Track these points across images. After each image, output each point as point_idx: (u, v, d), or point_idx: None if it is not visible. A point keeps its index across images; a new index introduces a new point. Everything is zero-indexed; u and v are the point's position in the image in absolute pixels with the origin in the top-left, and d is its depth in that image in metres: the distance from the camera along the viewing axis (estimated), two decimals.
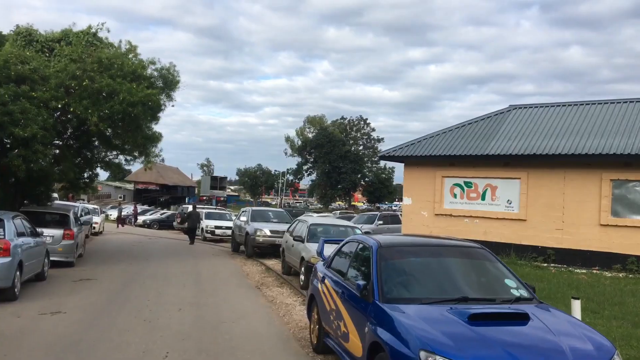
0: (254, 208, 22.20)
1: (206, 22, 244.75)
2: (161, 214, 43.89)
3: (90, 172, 19.42)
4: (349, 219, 24.64)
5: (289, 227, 15.40)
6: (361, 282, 5.51)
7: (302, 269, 12.08)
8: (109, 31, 17.44)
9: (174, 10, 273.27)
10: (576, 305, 6.84)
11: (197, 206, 29.65)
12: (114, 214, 42.49)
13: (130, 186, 78.85)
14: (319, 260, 11.37)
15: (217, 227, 26.40)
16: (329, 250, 8.19)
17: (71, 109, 15.04)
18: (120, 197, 74.71)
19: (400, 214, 24.37)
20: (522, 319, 4.81)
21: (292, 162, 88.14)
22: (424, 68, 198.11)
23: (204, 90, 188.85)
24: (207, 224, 26.61)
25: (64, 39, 17.42)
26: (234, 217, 25.60)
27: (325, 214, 35.86)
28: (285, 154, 79.58)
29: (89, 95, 15.00)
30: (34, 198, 17.53)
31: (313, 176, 76.86)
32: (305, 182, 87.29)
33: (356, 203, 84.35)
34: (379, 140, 76.95)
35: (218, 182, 76.81)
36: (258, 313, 9.57)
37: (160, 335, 7.68)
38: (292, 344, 7.63)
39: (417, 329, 4.54)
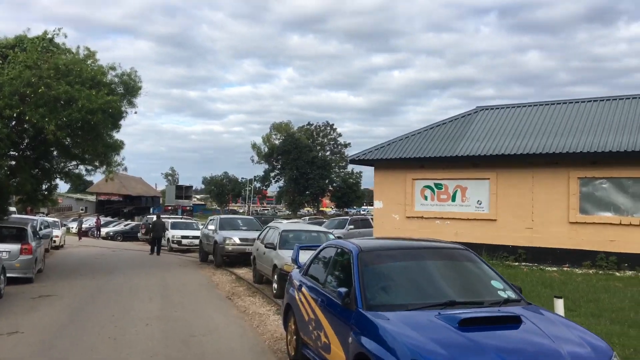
0: (222, 216, 21.68)
1: (168, 31, 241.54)
2: (125, 225, 42.73)
3: (49, 184, 18.56)
4: (319, 224, 24.31)
5: (260, 235, 15.00)
6: (342, 290, 5.19)
7: (275, 277, 11.70)
8: (66, 36, 16.73)
9: (135, 19, 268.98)
10: (559, 305, 6.67)
11: (162, 216, 28.88)
12: (75, 226, 41.14)
13: (92, 198, 76.77)
14: (293, 268, 11.03)
15: (183, 237, 25.72)
16: (304, 257, 7.85)
17: (27, 118, 14.32)
18: (82, 209, 72.75)
19: (371, 218, 24.22)
20: (514, 322, 4.56)
21: (259, 169, 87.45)
22: (387, 74, 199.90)
23: (167, 99, 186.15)
24: (173, 233, 25.90)
25: (18, 45, 16.60)
26: (201, 226, 24.99)
27: (295, 220, 35.47)
28: (252, 161, 78.88)
29: (45, 103, 14.30)
30: None
31: (281, 183, 76.33)
32: (272, 189, 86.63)
33: (325, 208, 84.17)
34: (346, 145, 77.03)
35: (183, 191, 75.58)
36: (230, 325, 9.15)
37: (126, 353, 7.19)
38: (268, 356, 7.25)
39: (405, 338, 4.25)
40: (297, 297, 6.78)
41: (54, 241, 25.31)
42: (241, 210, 78.11)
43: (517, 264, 16.64)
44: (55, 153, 17.42)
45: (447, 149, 18.23)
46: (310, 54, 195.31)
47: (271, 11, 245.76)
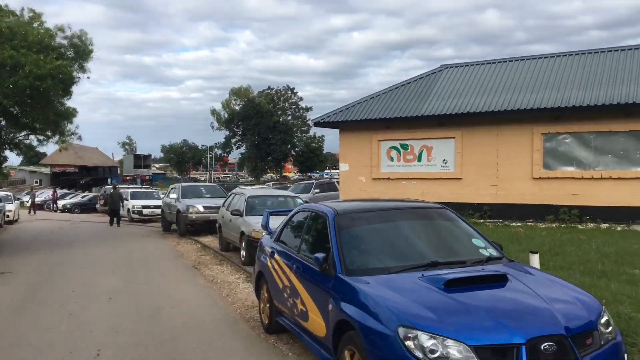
0: (184, 184, 21.07)
1: None
2: (82, 197, 41.45)
3: None
4: (283, 189, 23.96)
5: (224, 202, 14.57)
6: (320, 255, 4.90)
7: (243, 244, 11.37)
8: None
9: None
10: (535, 260, 6.59)
11: (121, 186, 27.98)
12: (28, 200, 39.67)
13: (47, 170, 74.18)
14: (261, 234, 10.70)
15: (144, 207, 25.01)
16: (273, 223, 7.53)
17: None
18: (36, 182, 70.32)
19: (337, 181, 24.04)
20: (501, 280, 4.36)
21: (220, 135, 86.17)
22: (347, 35, 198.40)
23: (121, 66, 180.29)
24: (133, 204, 25.15)
25: None
26: (162, 195, 24.32)
27: (260, 186, 35.02)
28: (212, 127, 77.48)
29: None
30: None
31: (242, 149, 75.34)
32: (234, 156, 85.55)
33: (288, 174, 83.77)
34: (308, 109, 76.40)
35: (142, 161, 73.70)
36: (199, 295, 8.82)
37: (89, 330, 6.79)
38: (241, 325, 6.97)
39: (390, 302, 4.00)
40: (269, 264, 6.47)
41: (7, 216, 24.28)
42: (202, 178, 76.89)
43: (482, 221, 16.75)
44: (2, 123, 16.42)
45: (413, 109, 18.02)
46: (268, 15, 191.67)
47: None
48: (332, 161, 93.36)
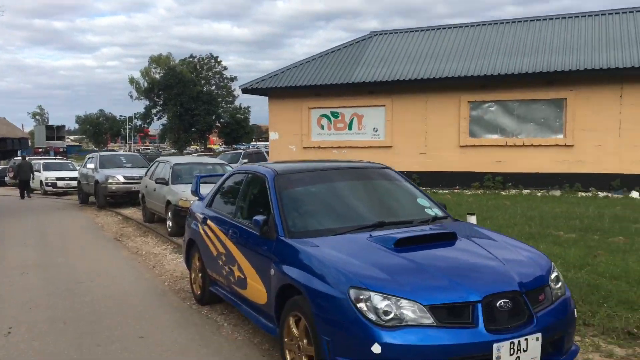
0: (102, 153, 19.87)
1: None
2: None
3: None
4: None
5: (147, 171, 13.78)
6: (260, 218, 4.53)
7: (170, 214, 10.77)
8: None
9: None
10: (473, 220, 6.58)
11: (32, 158, 26.12)
12: None
13: None
14: (190, 203, 10.16)
15: (59, 179, 23.47)
16: (204, 191, 7.04)
17: None
18: None
19: (265, 152, 23.59)
20: (450, 239, 4.20)
21: (139, 106, 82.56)
22: (271, 3, 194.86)
23: (30, 30, 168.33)
24: (47, 176, 23.53)
25: None
26: (78, 167, 22.89)
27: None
28: (131, 97, 73.91)
29: None
30: None
31: (164, 120, 72.57)
32: (155, 127, 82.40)
33: (212, 146, 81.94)
34: (232, 79, 74.43)
35: (55, 132, 69.40)
36: (122, 268, 8.23)
37: None
38: (170, 297, 6.52)
39: (339, 264, 3.72)
40: (201, 231, 6.03)
41: None
42: (121, 151, 73.68)
43: None
44: None
45: (343, 76, 17.79)
46: None
47: None
48: (259, 133, 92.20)
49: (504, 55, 16.72)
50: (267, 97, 19.49)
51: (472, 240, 4.25)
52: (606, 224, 9.84)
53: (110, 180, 15.73)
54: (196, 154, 43.25)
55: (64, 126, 77.18)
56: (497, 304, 3.40)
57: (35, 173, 23.41)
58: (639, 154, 15.12)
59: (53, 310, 5.95)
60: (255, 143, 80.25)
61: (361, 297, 3.41)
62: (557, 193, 15.50)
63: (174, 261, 8.48)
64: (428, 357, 3.22)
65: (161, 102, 70.69)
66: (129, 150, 70.32)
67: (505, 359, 3.30)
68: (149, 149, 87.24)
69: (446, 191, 16.48)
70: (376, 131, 17.88)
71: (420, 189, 5.39)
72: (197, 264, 6.28)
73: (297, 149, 18.71)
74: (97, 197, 16.49)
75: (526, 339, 3.37)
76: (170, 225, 10.69)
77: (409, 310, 3.33)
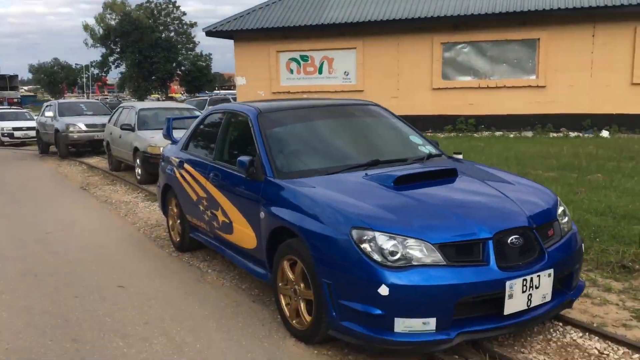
0: (61, 101, 18.89)
1: None
2: None
3: None
4: None
5: (111, 118, 13.13)
6: (245, 159, 4.20)
7: (138, 161, 10.30)
8: None
9: None
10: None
11: None
12: None
13: None
14: (159, 148, 9.73)
15: (15, 129, 22.31)
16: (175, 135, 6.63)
17: None
18: None
19: (232, 98, 22.95)
20: (451, 176, 3.98)
21: (96, 53, 79.15)
22: None
23: None
24: (2, 126, 22.36)
25: None
26: (35, 117, 21.80)
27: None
28: (87, 45, 70.51)
29: None
30: None
31: (122, 68, 69.92)
32: (113, 76, 79.43)
33: (174, 94, 79.73)
34: (192, 25, 71.66)
35: (7, 82, 66.13)
36: (92, 217, 7.84)
37: None
38: (147, 245, 6.21)
39: (338, 204, 3.47)
40: (178, 175, 5.68)
41: None
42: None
43: None
44: None
45: (312, 17, 17.14)
46: None
47: None
48: (221, 81, 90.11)
49: None
50: (232, 42, 18.70)
51: (473, 177, 4.05)
52: (583, 163, 9.87)
53: (71, 129, 14.96)
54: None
55: (16, 75, 73.62)
56: (508, 241, 3.23)
57: None
58: (609, 94, 15.20)
59: (22, 263, 5.58)
60: (218, 91, 78.36)
61: (364, 237, 3.18)
62: (529, 134, 15.55)
63: (147, 209, 8.12)
64: (438, 298, 3.04)
65: (118, 50, 67.93)
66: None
67: (518, 296, 3.16)
68: (107, 98, 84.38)
69: None
70: (347, 75, 17.45)
71: (411, 126, 5.14)
72: (175, 210, 5.96)
73: (266, 94, 18.16)
74: (58, 146, 15.75)
75: (538, 276, 3.22)
76: (140, 172, 10.24)
77: (417, 250, 3.12)
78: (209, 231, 5.16)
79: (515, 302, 3.15)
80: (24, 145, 22.07)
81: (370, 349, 3.35)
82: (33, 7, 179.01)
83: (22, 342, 3.76)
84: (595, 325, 3.67)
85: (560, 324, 3.66)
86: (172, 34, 71.26)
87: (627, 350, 3.30)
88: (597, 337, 3.46)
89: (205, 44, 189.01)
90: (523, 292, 3.17)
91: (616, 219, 6.01)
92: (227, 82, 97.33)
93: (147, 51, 63.31)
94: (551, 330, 3.60)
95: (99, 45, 69.38)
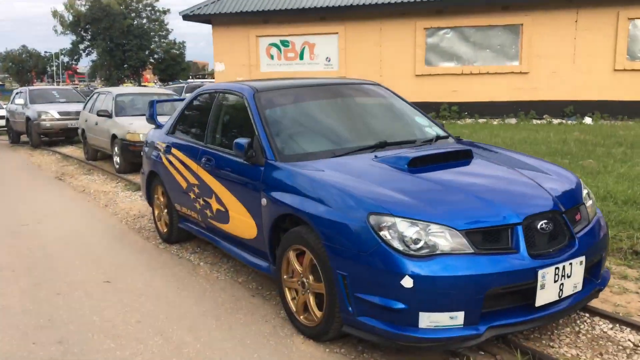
0: (32, 87, 18.15)
1: None
2: None
3: None
4: None
5: (85, 105, 12.59)
6: (242, 141, 3.87)
7: (116, 149, 9.85)
8: None
9: None
10: None
11: None
12: None
13: None
14: (139, 135, 9.31)
15: None
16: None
17: None
18: None
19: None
20: (466, 157, 3.73)
21: (66, 41, 76.77)
22: None
23: None
24: None
25: None
26: (4, 105, 20.96)
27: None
28: (56, 32, 68.80)
29: None
30: None
31: (93, 56, 68.30)
32: (84, 64, 77.54)
33: (147, 83, 78.22)
34: (165, 11, 70.32)
35: None
36: (71, 207, 7.42)
37: None
38: (132, 237, 5.85)
39: (352, 188, 3.18)
40: (165, 161, 5.32)
41: None
42: None
43: None
44: None
45: (293, 1, 16.71)
46: None
47: None
48: (195, 69, 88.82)
49: None
50: (206, 30, 18.18)
51: (489, 159, 3.81)
52: (573, 148, 9.75)
53: (43, 117, 14.35)
54: None
55: None
56: (538, 226, 2.98)
57: None
58: (591, 80, 15.16)
59: None
60: (192, 80, 77.06)
61: (383, 224, 2.90)
62: (513, 121, 15.45)
63: (128, 199, 7.72)
64: (467, 290, 2.78)
65: (89, 37, 66.31)
66: None
67: (550, 286, 2.92)
68: (78, 87, 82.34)
69: None
70: (329, 61, 17.10)
71: (416, 107, 4.87)
72: (161, 199, 5.61)
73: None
74: (29, 135, 15.12)
75: (570, 264, 2.98)
76: (118, 161, 9.80)
77: (442, 237, 2.85)
78: (200, 221, 4.82)
79: (547, 292, 2.91)
80: None
81: (389, 346, 3.09)
82: None
83: (2, 346, 3.40)
84: (621, 315, 3.47)
85: (587, 315, 3.45)
86: (145, 21, 69.82)
87: None
88: (628, 329, 3.25)
89: (178, 31, 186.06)
90: (555, 281, 2.93)
91: (618, 204, 5.85)
92: (201, 70, 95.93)
93: (118, 38, 61.92)
94: (578, 321, 3.39)
95: (68, 32, 67.62)
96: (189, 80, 74.29)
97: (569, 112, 15.39)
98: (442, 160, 3.61)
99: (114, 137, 9.94)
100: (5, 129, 18.37)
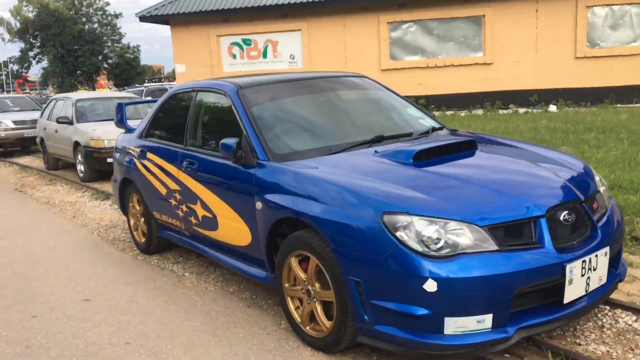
0: None
1: None
2: None
3: None
4: None
5: (43, 112, 11.97)
6: (230, 141, 3.58)
7: (79, 157, 9.35)
8: None
9: None
10: None
11: None
12: None
13: None
14: (103, 142, 8.88)
15: None
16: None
17: None
18: None
19: (170, 87, 21.83)
20: (471, 148, 3.54)
21: (14, 49, 74.27)
22: None
23: None
24: None
25: None
26: None
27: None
28: (3, 40, 66.55)
29: None
30: None
31: (44, 63, 66.20)
32: (35, 72, 75.11)
33: (101, 89, 76.22)
34: (117, 15, 68.75)
35: None
36: (36, 220, 6.94)
37: None
38: (106, 249, 5.46)
39: (359, 186, 2.94)
40: (140, 167, 4.96)
41: None
42: None
43: None
44: None
45: None
46: None
47: None
48: (151, 73, 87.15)
49: None
50: (160, 33, 17.66)
51: (495, 148, 3.64)
52: (546, 136, 9.77)
53: None
54: None
55: None
56: (561, 218, 2.81)
57: None
58: (554, 69, 15.36)
59: None
60: (148, 84, 75.44)
61: (399, 224, 2.67)
62: (480, 112, 15.52)
63: (97, 208, 7.29)
64: (495, 290, 2.58)
65: (38, 44, 64.26)
66: None
67: (577, 281, 2.75)
68: (29, 95, 79.56)
69: None
70: (293, 58, 16.83)
71: (405, 98, 4.67)
72: (137, 207, 5.26)
73: None
74: None
75: (596, 256, 2.83)
76: (82, 169, 9.30)
77: (463, 235, 2.65)
78: (184, 229, 4.50)
79: (575, 287, 2.74)
80: None
81: (406, 355, 2.85)
82: None
83: None
84: (639, 305, 3.34)
85: (607, 307, 3.30)
86: (96, 25, 68.06)
87: None
88: None
89: (131, 35, 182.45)
90: (582, 275, 2.76)
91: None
92: (156, 74, 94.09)
93: (70, 44, 60.19)
94: (599, 315, 3.24)
95: (17, 39, 65.33)
96: (146, 84, 72.86)
97: (533, 100, 15.55)
98: (448, 153, 3.42)
99: (76, 144, 9.43)
100: None
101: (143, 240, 5.23)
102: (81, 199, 8.00)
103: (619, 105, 14.87)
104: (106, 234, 6.02)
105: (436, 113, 15.97)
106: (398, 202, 2.75)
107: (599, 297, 2.93)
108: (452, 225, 2.66)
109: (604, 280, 2.92)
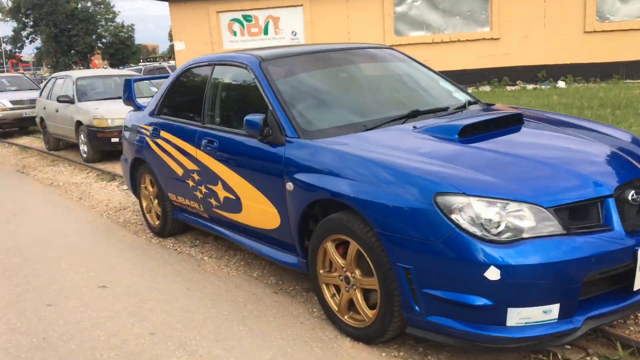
0: None
1: None
2: None
3: None
4: None
5: (42, 92, 11.63)
6: (255, 118, 3.32)
7: (82, 137, 9.06)
8: None
9: None
10: None
11: None
12: None
13: None
14: (107, 122, 8.61)
15: None
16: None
17: None
18: None
19: (169, 67, 21.45)
20: (518, 123, 3.29)
21: (6, 28, 73.14)
22: None
23: None
24: None
25: None
26: None
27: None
28: None
29: None
30: None
31: (37, 43, 65.27)
32: (28, 52, 74.13)
33: (96, 69, 75.26)
34: None
35: None
36: (42, 203, 6.69)
37: None
38: (118, 233, 5.22)
39: (406, 166, 2.69)
40: (153, 146, 4.70)
41: None
42: None
43: None
44: None
45: None
46: None
47: None
48: (146, 53, 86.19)
49: None
50: (157, 9, 17.16)
51: (543, 123, 3.38)
52: (562, 112, 9.51)
53: None
54: None
55: None
56: (629, 197, 2.57)
57: None
58: (562, 43, 15.01)
59: None
60: (144, 63, 74.47)
61: (454, 205, 2.43)
62: (487, 88, 15.20)
63: (104, 190, 7.04)
64: (563, 278, 2.35)
65: (31, 23, 63.23)
66: None
67: None
68: (23, 75, 78.55)
69: None
70: (295, 35, 16.41)
71: (436, 71, 4.40)
72: (150, 188, 5.01)
73: None
74: None
75: None
76: (85, 150, 9.02)
77: (527, 217, 2.41)
78: (202, 211, 4.26)
79: None
80: None
81: (457, 347, 2.62)
82: None
83: None
84: None
85: None
86: (89, 4, 66.95)
87: None
88: None
89: (125, 14, 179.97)
90: None
91: None
92: (151, 53, 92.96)
93: (63, 23, 59.26)
94: None
95: (9, 19, 64.26)
96: (142, 64, 72.07)
97: (541, 76, 15.24)
98: (495, 128, 3.16)
99: (78, 124, 9.14)
100: None
101: (157, 222, 4.99)
102: (86, 180, 7.74)
103: (629, 80, 14.57)
104: (116, 217, 5.78)
105: None
106: (454, 182, 2.50)
107: None
108: (514, 206, 2.42)
109: None
